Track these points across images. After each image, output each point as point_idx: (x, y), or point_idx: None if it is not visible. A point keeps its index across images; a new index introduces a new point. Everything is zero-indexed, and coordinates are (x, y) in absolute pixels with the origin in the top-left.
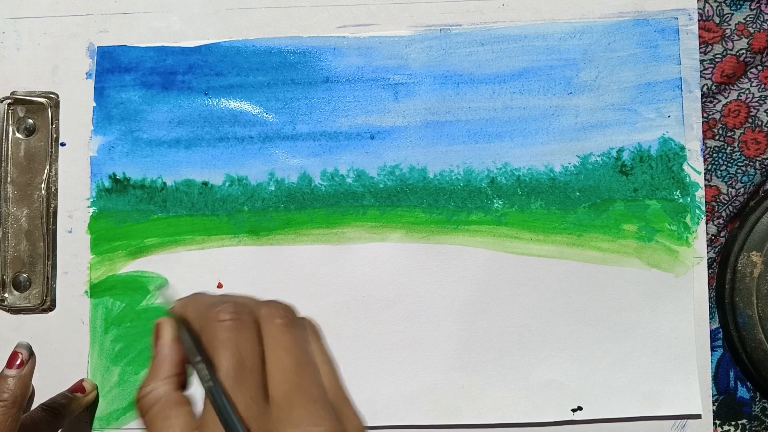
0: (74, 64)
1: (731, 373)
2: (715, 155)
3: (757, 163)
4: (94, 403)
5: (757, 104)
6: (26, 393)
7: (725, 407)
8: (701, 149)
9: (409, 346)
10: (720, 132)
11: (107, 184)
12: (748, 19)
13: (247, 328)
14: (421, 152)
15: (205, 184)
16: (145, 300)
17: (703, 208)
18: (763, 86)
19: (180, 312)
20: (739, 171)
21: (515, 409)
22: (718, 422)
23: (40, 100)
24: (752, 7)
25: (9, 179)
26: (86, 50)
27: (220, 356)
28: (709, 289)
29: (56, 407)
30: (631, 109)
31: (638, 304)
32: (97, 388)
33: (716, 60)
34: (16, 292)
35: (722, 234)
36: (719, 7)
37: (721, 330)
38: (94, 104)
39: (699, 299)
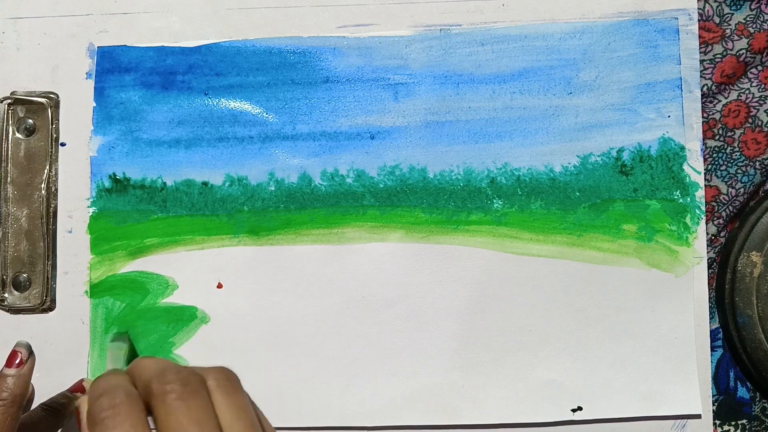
0: (74, 64)
1: (731, 373)
2: (715, 155)
3: (757, 163)
4: None
5: (757, 104)
6: (26, 392)
7: (725, 407)
8: (701, 149)
9: (409, 346)
10: (720, 132)
11: (107, 184)
12: (748, 19)
13: (125, 423)
14: (421, 152)
15: (205, 184)
16: (145, 300)
17: (703, 208)
18: (763, 86)
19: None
20: (739, 171)
21: (515, 409)
22: (718, 422)
23: (40, 100)
24: (752, 7)
25: (9, 179)
26: (86, 50)
27: None
28: (709, 289)
29: (56, 407)
30: (631, 109)
31: (638, 304)
32: None
33: (716, 60)
34: (16, 292)
35: (722, 234)
36: (719, 7)
37: (721, 330)
38: (94, 104)
39: (699, 299)
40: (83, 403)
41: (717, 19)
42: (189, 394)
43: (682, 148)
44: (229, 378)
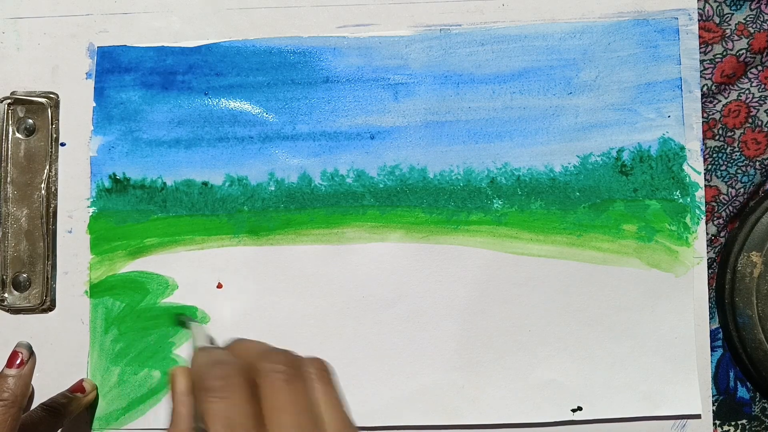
0: (74, 64)
1: (731, 373)
2: (715, 155)
3: (757, 163)
4: (94, 403)
5: (757, 104)
6: (26, 392)
7: (725, 407)
8: (701, 149)
9: (409, 346)
10: (720, 132)
11: (107, 184)
12: (748, 19)
13: (236, 394)
14: (421, 152)
15: (205, 184)
16: (145, 300)
17: (703, 208)
18: (763, 86)
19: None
20: (739, 171)
21: (515, 409)
22: (718, 422)
23: (40, 100)
24: (752, 7)
25: (9, 179)
26: (86, 50)
27: (210, 430)
28: (709, 289)
29: (56, 407)
30: (631, 109)
31: (638, 304)
32: (96, 388)
33: (716, 60)
34: (16, 292)
35: (722, 234)
36: (719, 7)
37: (721, 330)
38: (94, 104)
39: (699, 299)
40: (181, 373)
41: (717, 19)
42: (293, 378)
43: (682, 148)
44: (326, 369)
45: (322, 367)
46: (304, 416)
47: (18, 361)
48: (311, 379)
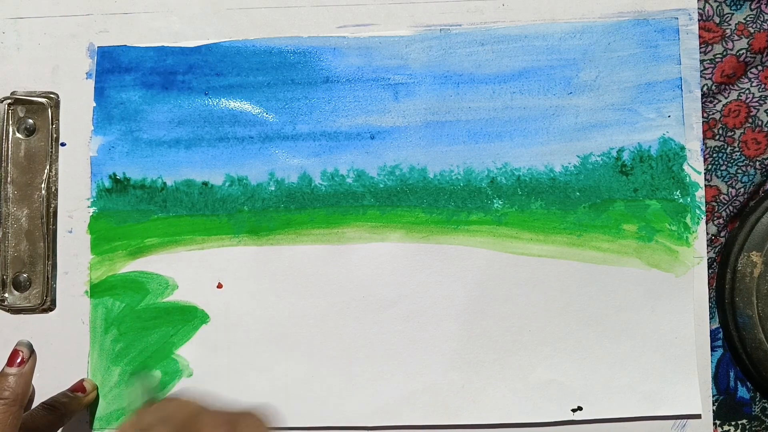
0: (74, 64)
1: (731, 373)
2: (715, 155)
3: (757, 163)
4: (94, 402)
5: (757, 104)
6: (27, 391)
7: (725, 407)
8: (701, 149)
9: (409, 346)
10: (720, 132)
11: (107, 184)
12: (748, 19)
13: None
14: (421, 152)
15: (205, 184)
16: (145, 300)
17: (703, 208)
18: (763, 86)
19: None
20: (739, 171)
21: (515, 409)
22: (718, 422)
23: (40, 100)
24: (752, 7)
25: (9, 179)
26: (86, 50)
27: None
28: (709, 289)
29: (57, 406)
30: (631, 109)
31: (638, 304)
32: (97, 388)
33: (716, 60)
34: (16, 292)
35: (722, 234)
36: (719, 7)
37: (721, 330)
38: (94, 104)
39: (699, 299)
40: None
41: (717, 19)
42: None
43: (682, 148)
44: (261, 422)
45: (256, 423)
46: None
47: (18, 360)
48: None
